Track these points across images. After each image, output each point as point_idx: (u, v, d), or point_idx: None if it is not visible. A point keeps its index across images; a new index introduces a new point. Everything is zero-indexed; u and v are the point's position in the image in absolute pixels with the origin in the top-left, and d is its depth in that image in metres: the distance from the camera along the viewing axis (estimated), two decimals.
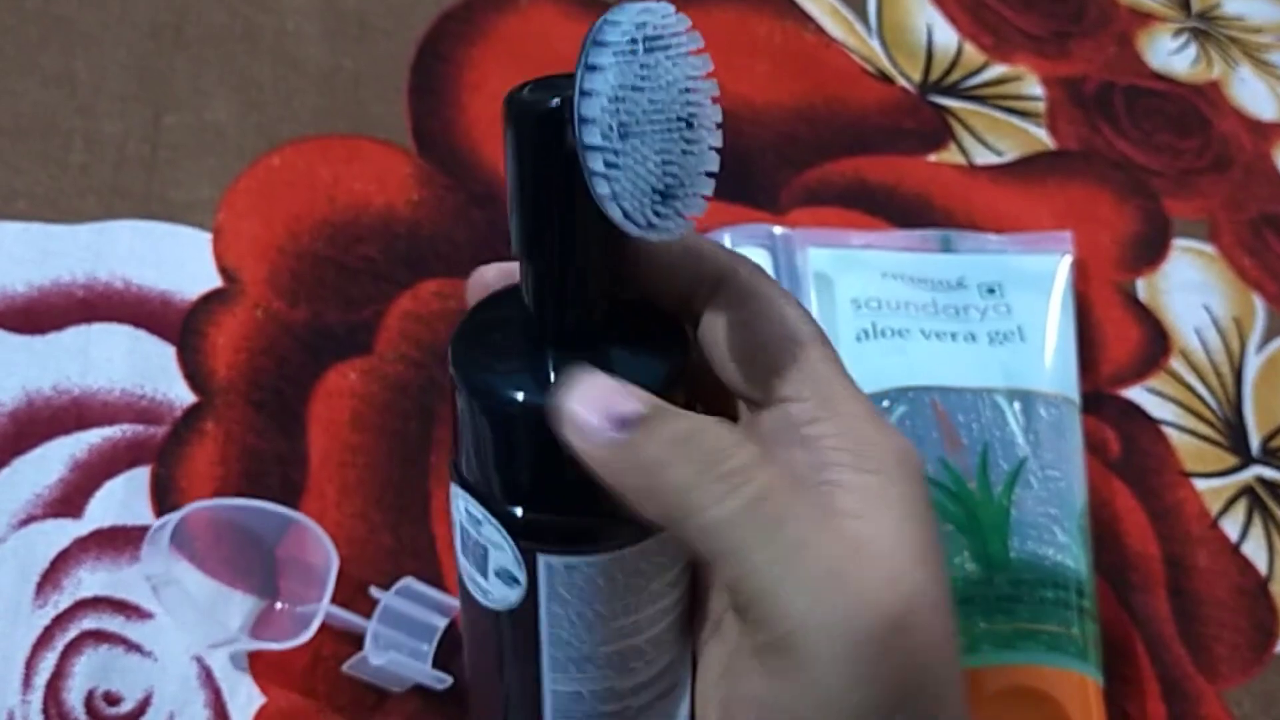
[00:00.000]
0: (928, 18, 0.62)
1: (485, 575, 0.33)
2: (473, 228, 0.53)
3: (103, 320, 0.49)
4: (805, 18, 0.61)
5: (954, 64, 0.61)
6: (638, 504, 0.29)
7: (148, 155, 0.53)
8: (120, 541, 0.44)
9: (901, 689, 0.29)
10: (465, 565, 0.34)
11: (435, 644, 0.43)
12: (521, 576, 0.32)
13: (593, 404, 0.29)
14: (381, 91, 0.56)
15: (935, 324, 0.50)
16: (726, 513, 0.29)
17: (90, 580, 0.44)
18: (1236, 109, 0.61)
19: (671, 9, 0.28)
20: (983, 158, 0.58)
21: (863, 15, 0.62)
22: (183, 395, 0.48)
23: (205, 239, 0.51)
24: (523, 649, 0.33)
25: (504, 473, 0.31)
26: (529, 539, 0.32)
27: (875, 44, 0.61)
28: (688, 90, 0.28)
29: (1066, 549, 0.46)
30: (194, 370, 0.48)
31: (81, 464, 0.46)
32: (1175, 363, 0.54)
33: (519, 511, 0.31)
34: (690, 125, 0.28)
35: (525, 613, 0.33)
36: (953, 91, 0.60)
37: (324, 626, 0.42)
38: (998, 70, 0.61)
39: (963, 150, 0.58)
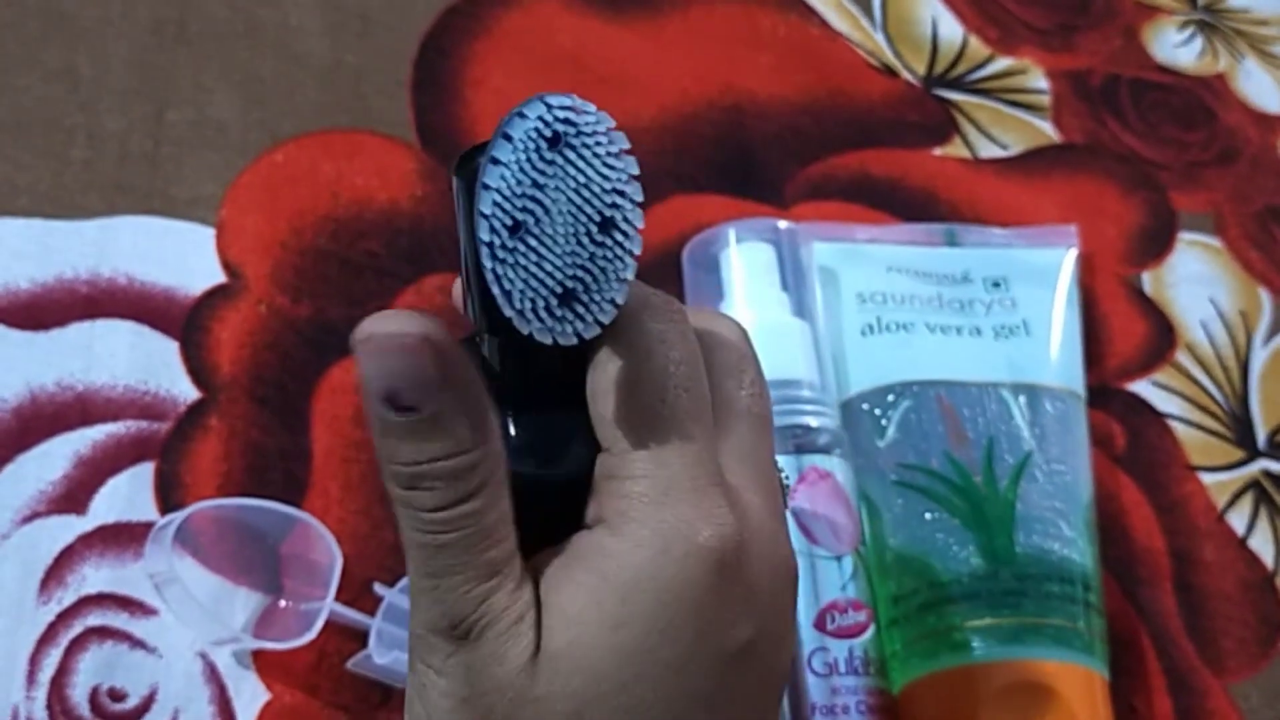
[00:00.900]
0: (932, 11, 0.62)
1: None
2: None
3: (106, 316, 0.49)
4: (810, 11, 0.61)
5: (959, 57, 0.61)
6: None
7: (150, 151, 0.52)
8: (124, 538, 0.44)
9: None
10: None
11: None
12: None
13: (380, 367, 0.28)
14: (384, 86, 0.56)
15: (940, 318, 0.50)
16: (413, 544, 0.29)
17: (94, 577, 0.44)
18: (1242, 102, 0.61)
19: (592, 108, 0.27)
20: (988, 151, 0.58)
21: (867, 8, 0.61)
22: (186, 391, 0.48)
23: (208, 235, 0.51)
24: None
25: None
26: None
27: (880, 37, 0.61)
28: (602, 192, 0.27)
29: (1072, 543, 0.46)
30: (198, 366, 0.48)
31: (85, 460, 0.46)
32: (1181, 356, 0.54)
33: None
34: (604, 228, 0.27)
35: None
36: (958, 85, 0.60)
37: (328, 624, 0.42)
38: (1003, 63, 0.61)
39: (968, 144, 0.58)
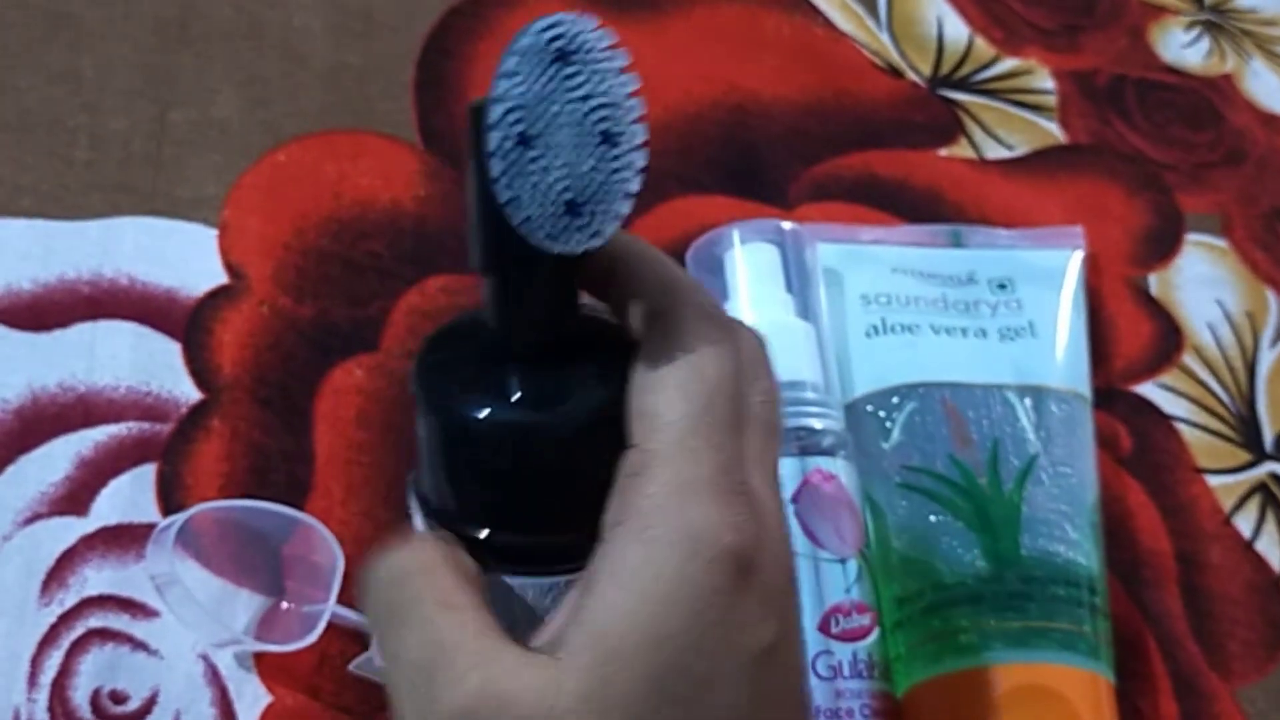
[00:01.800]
0: (938, 11, 0.62)
1: None
2: None
3: (108, 317, 0.49)
4: (814, 11, 0.61)
5: (964, 57, 0.61)
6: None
7: (153, 152, 0.52)
8: (126, 539, 0.44)
9: None
10: None
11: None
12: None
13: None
14: (388, 87, 0.56)
15: (945, 319, 0.50)
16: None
17: (96, 578, 0.44)
18: (1250, 102, 0.61)
19: (594, 23, 0.28)
20: (993, 152, 0.58)
21: (872, 9, 0.61)
22: (188, 392, 0.47)
23: (211, 235, 0.51)
24: None
25: (464, 492, 0.31)
26: (492, 559, 0.31)
27: (885, 37, 0.61)
28: (606, 105, 0.28)
29: (1078, 546, 0.46)
30: (200, 367, 0.48)
31: (87, 461, 0.46)
32: (1188, 358, 0.54)
33: (481, 533, 0.31)
34: (609, 142, 0.28)
35: None
36: (963, 85, 0.60)
37: (330, 626, 0.42)
38: (1008, 64, 0.61)
39: (973, 144, 0.58)
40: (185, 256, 0.50)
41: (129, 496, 0.45)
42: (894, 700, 0.44)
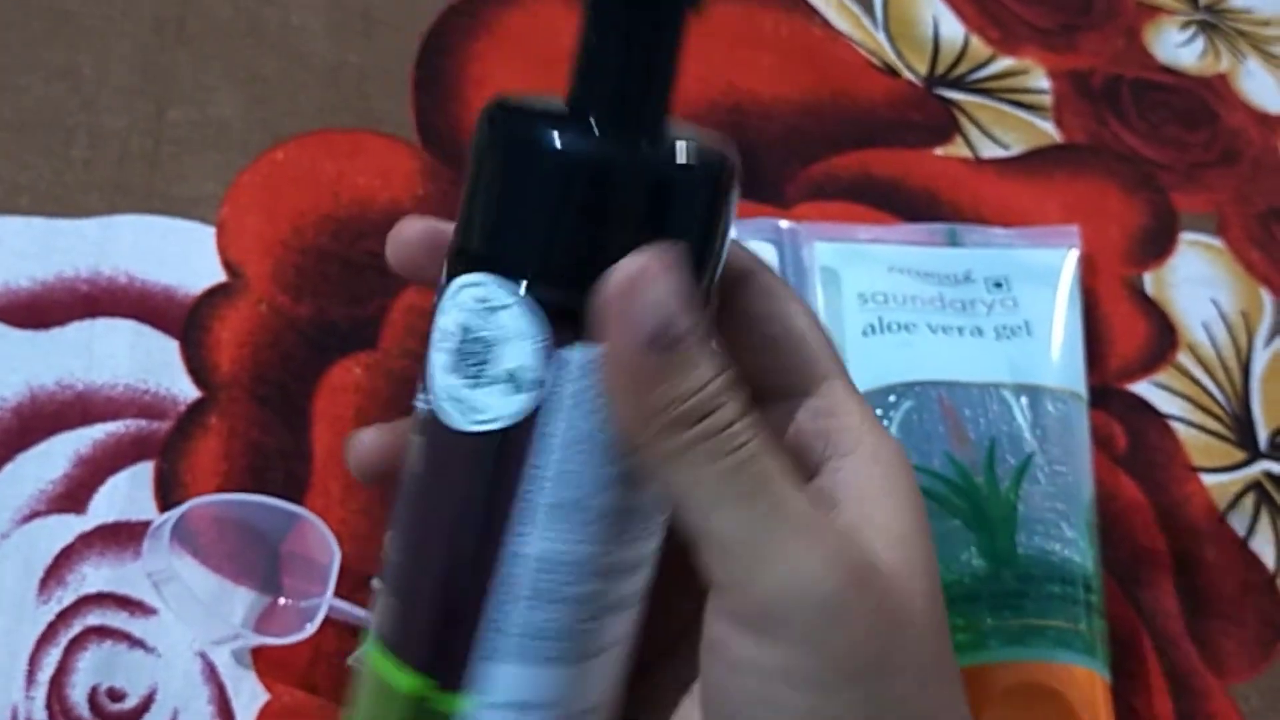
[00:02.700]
0: (934, 11, 0.62)
1: (479, 384, 0.29)
2: None
3: (106, 315, 0.49)
4: (811, 11, 0.61)
5: (960, 57, 0.61)
6: (620, 412, 0.29)
7: (151, 150, 0.52)
8: (124, 537, 0.44)
9: (877, 656, 0.29)
10: (444, 384, 0.30)
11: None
12: (535, 374, 0.29)
13: (643, 308, 0.28)
14: (386, 86, 0.56)
15: (942, 318, 0.50)
16: (715, 471, 0.29)
17: (94, 576, 0.44)
18: (1245, 102, 0.61)
19: None
20: (989, 151, 0.58)
21: (869, 8, 0.61)
22: (187, 390, 0.47)
23: (209, 234, 0.51)
24: (493, 492, 0.30)
25: (546, 237, 0.29)
26: (562, 324, 0.29)
27: (881, 37, 0.61)
28: None
29: (1074, 544, 0.46)
30: (198, 365, 0.48)
31: (85, 459, 0.46)
32: (1183, 357, 0.54)
33: (550, 289, 0.29)
34: None
35: (518, 434, 0.29)
36: (959, 85, 0.60)
37: (327, 622, 0.42)
38: (1004, 63, 0.61)
39: (969, 144, 0.58)
40: (183, 255, 0.50)
41: (127, 494, 0.45)
42: None
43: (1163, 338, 0.54)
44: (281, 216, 0.52)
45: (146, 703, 0.42)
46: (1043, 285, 0.52)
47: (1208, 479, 0.51)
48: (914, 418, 0.47)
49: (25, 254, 0.49)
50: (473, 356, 0.30)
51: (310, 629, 0.42)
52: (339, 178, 0.53)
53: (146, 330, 0.48)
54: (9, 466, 0.45)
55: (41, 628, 0.43)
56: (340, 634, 0.43)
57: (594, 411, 0.29)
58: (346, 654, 0.43)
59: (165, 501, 0.45)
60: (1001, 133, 0.59)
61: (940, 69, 0.60)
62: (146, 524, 0.44)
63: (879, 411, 0.48)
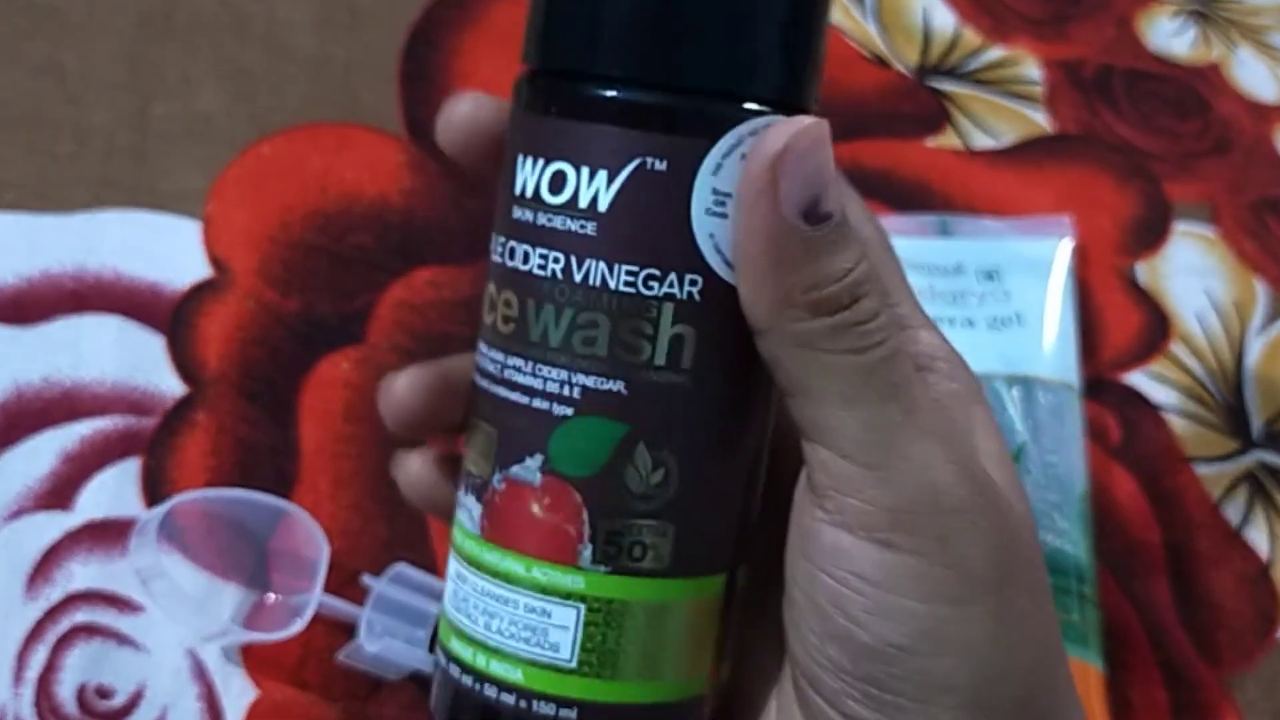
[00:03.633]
0: (924, 1, 0.62)
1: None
2: (466, 216, 0.53)
3: (92, 311, 0.48)
4: None
5: (952, 47, 0.60)
6: (755, 285, 0.28)
7: (137, 145, 0.52)
8: (111, 534, 0.44)
9: (1005, 570, 0.28)
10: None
11: (431, 630, 0.43)
12: None
13: (801, 176, 0.27)
14: (373, 79, 0.55)
15: (933, 309, 0.50)
16: (855, 364, 0.28)
17: (81, 573, 0.43)
18: (1237, 91, 0.61)
19: None
20: (981, 142, 0.58)
21: None
22: (173, 386, 0.47)
23: (195, 229, 0.51)
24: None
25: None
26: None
27: (872, 27, 0.60)
28: None
29: (1067, 535, 0.46)
30: (185, 361, 0.48)
31: (72, 456, 0.45)
32: (1176, 347, 0.54)
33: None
34: None
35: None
36: (950, 75, 0.60)
37: (316, 618, 0.42)
38: (996, 53, 0.61)
39: (960, 134, 0.58)
40: (169, 250, 0.50)
41: (114, 491, 0.45)
42: None
43: (1156, 328, 0.54)
44: (268, 211, 0.51)
45: (135, 700, 0.42)
46: (1035, 276, 0.51)
47: (1201, 469, 0.51)
48: None
49: (10, 250, 0.49)
50: None
51: (299, 625, 0.42)
52: (326, 172, 0.53)
53: (133, 326, 0.48)
54: None
55: (29, 625, 0.43)
56: (329, 630, 0.43)
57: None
58: (336, 650, 0.43)
59: (152, 498, 0.45)
60: (993, 123, 0.58)
61: (931, 59, 0.60)
62: (134, 521, 0.44)
63: None
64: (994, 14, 0.62)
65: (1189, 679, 0.47)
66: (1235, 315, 0.55)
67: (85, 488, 0.45)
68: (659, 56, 0.28)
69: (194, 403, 0.47)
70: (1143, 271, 0.55)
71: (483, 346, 0.31)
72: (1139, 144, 0.59)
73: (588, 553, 0.29)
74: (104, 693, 0.42)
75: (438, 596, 0.43)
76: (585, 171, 0.28)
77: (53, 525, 0.44)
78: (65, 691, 0.42)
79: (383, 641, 0.42)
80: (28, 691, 0.42)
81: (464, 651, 0.31)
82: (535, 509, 0.29)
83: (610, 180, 0.28)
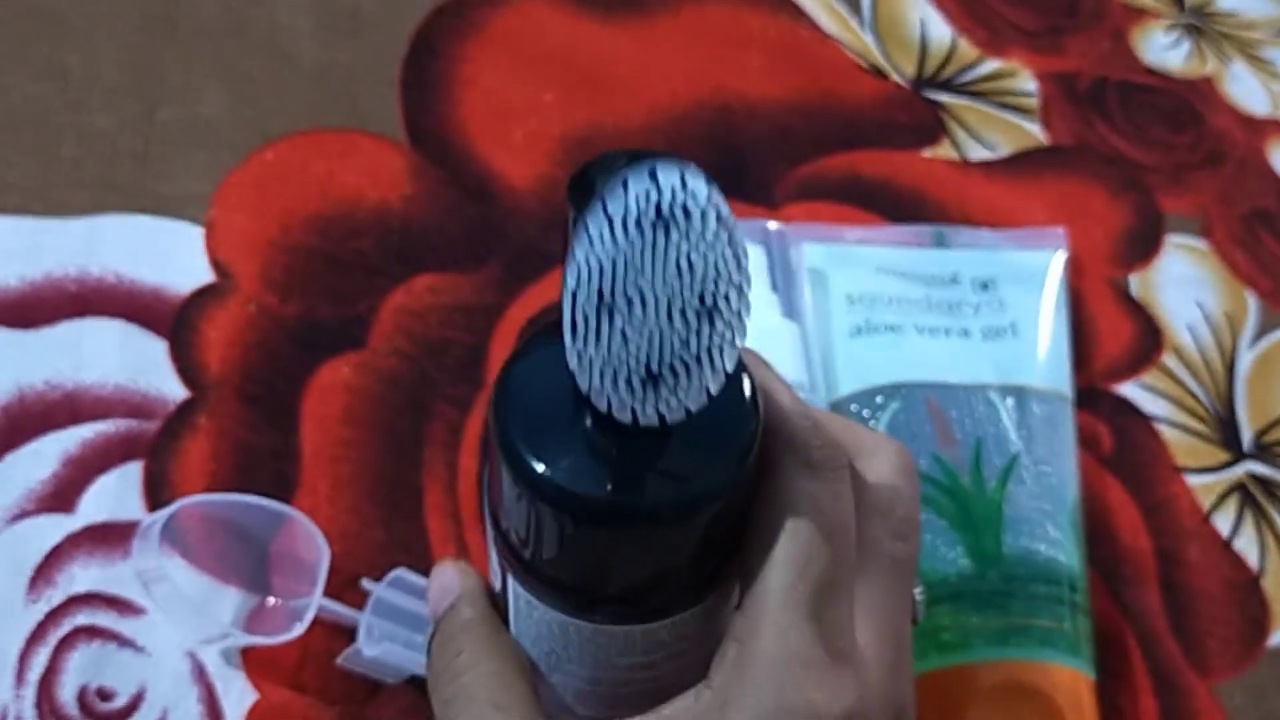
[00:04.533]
0: (921, 12, 0.62)
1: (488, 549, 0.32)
2: (466, 221, 0.53)
3: (95, 315, 0.49)
4: (799, 12, 0.61)
5: (948, 59, 0.61)
6: None
7: (140, 149, 0.52)
8: (113, 537, 0.44)
9: None
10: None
11: (430, 634, 0.43)
12: (499, 577, 0.32)
13: (433, 596, 0.35)
14: (374, 86, 0.56)
15: (929, 319, 0.50)
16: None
17: (83, 576, 0.44)
18: (1230, 105, 0.61)
19: (702, 182, 0.25)
20: (976, 153, 0.58)
21: (856, 10, 0.62)
22: (175, 390, 0.47)
23: (197, 233, 0.51)
24: None
25: (505, 509, 0.30)
26: (506, 563, 0.31)
27: (869, 38, 0.61)
28: (705, 277, 0.25)
29: (1059, 544, 0.46)
30: (186, 365, 0.48)
31: (74, 459, 0.46)
32: (1168, 358, 0.54)
33: (502, 539, 0.30)
34: (704, 313, 0.26)
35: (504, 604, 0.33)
36: (947, 86, 0.60)
37: (315, 622, 0.42)
38: (992, 65, 0.61)
39: (956, 145, 0.58)
40: (172, 254, 0.50)
41: (116, 494, 0.45)
42: None
43: (1148, 339, 0.54)
44: (270, 216, 0.52)
45: (135, 702, 0.42)
46: (1029, 287, 0.52)
47: (1192, 480, 0.51)
48: (901, 419, 0.48)
49: (13, 253, 0.49)
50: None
51: (299, 629, 0.42)
52: (327, 177, 0.53)
53: (135, 330, 0.48)
54: None
55: (30, 627, 0.43)
56: (329, 634, 0.43)
57: (530, 625, 0.32)
58: (335, 654, 0.43)
59: (154, 501, 0.45)
60: (988, 134, 0.59)
61: (928, 71, 0.60)
62: (135, 524, 0.44)
63: (866, 413, 0.48)
64: (990, 26, 0.62)
65: (1179, 687, 0.47)
66: (1227, 327, 0.55)
67: (87, 491, 0.45)
68: None
69: (195, 407, 0.47)
70: (1135, 283, 0.56)
71: None
72: (1132, 156, 0.59)
73: None
74: (105, 695, 0.42)
75: None
76: None
77: (54, 528, 0.44)
78: (66, 693, 0.42)
79: (382, 645, 0.42)
80: (29, 693, 0.42)
81: None
82: None
83: None
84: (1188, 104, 0.61)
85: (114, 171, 0.52)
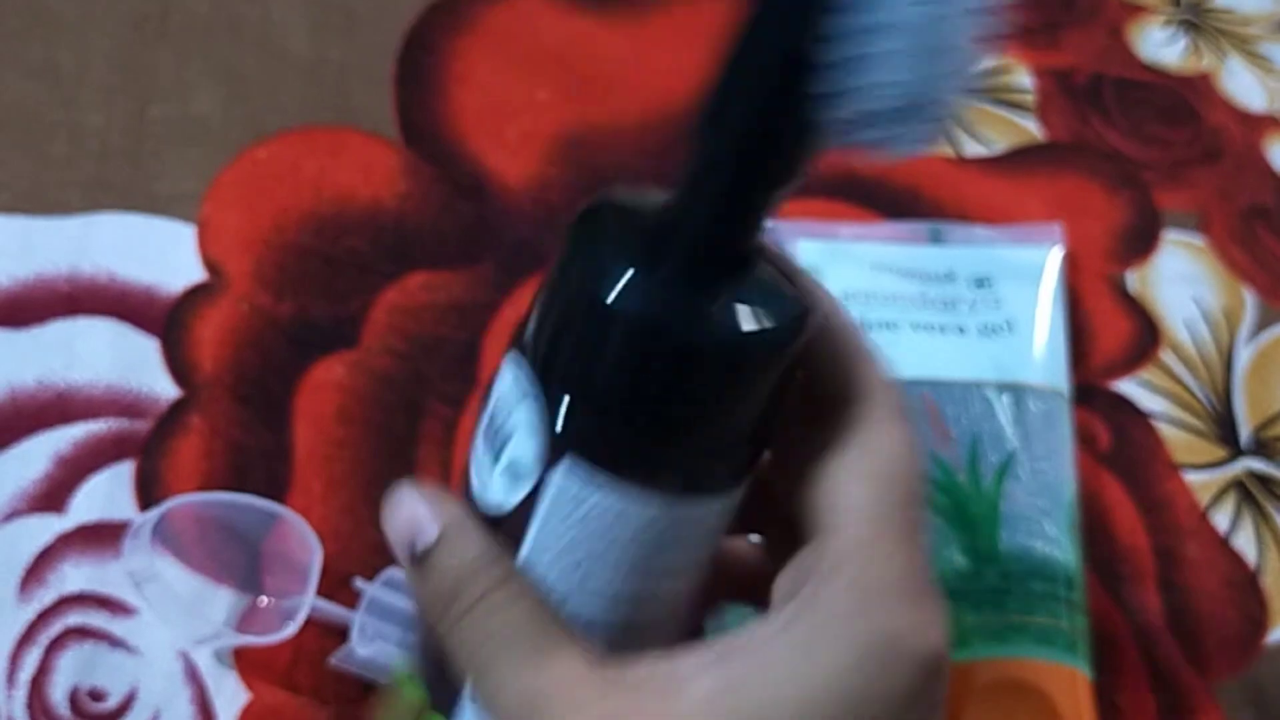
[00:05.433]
0: None
1: (495, 465, 0.30)
2: (460, 219, 0.53)
3: (87, 314, 0.48)
4: None
5: None
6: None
7: (132, 148, 0.52)
8: (104, 537, 0.44)
9: None
10: (479, 449, 0.31)
11: (415, 578, 0.42)
12: (532, 480, 0.29)
13: (398, 531, 0.31)
14: (367, 83, 0.55)
15: (925, 316, 0.50)
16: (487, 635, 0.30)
17: (74, 576, 0.44)
18: (1226, 101, 0.61)
19: None
20: (973, 149, 0.58)
21: None
22: (167, 390, 0.47)
23: (190, 232, 0.51)
24: None
25: (581, 361, 0.29)
26: (566, 438, 0.29)
27: None
28: (965, 13, 0.26)
29: (1056, 542, 0.46)
30: (178, 364, 0.48)
31: (65, 459, 0.46)
32: (1165, 355, 0.54)
33: (570, 402, 0.29)
34: (946, 49, 0.26)
35: (511, 526, 0.30)
36: None
37: (308, 622, 0.42)
38: (988, 62, 0.61)
39: (952, 142, 0.58)
40: (164, 253, 0.50)
41: (107, 494, 0.45)
42: None
43: (1145, 335, 0.54)
44: (262, 214, 0.51)
45: (127, 703, 0.42)
46: (1025, 283, 0.52)
47: (1190, 476, 0.51)
48: None
49: (5, 252, 0.49)
50: (495, 436, 0.30)
51: (292, 628, 0.42)
52: (320, 175, 0.53)
53: (127, 329, 0.48)
54: None
55: (22, 628, 0.43)
56: (321, 633, 0.43)
57: (574, 538, 0.30)
58: (328, 653, 0.43)
59: (146, 501, 0.45)
60: (984, 131, 0.59)
61: None
62: (127, 524, 0.44)
63: None
64: None
65: (1177, 685, 0.47)
66: (1224, 323, 0.55)
67: (79, 490, 0.45)
68: None
69: (188, 406, 0.47)
70: (1132, 279, 0.56)
71: None
72: (1129, 152, 0.59)
73: None
74: (96, 695, 0.42)
75: None
76: None
77: (46, 528, 0.44)
78: (58, 694, 0.42)
79: (374, 645, 0.42)
80: (20, 694, 0.42)
81: None
82: None
83: None
84: (1184, 100, 0.61)
85: (106, 170, 0.51)
